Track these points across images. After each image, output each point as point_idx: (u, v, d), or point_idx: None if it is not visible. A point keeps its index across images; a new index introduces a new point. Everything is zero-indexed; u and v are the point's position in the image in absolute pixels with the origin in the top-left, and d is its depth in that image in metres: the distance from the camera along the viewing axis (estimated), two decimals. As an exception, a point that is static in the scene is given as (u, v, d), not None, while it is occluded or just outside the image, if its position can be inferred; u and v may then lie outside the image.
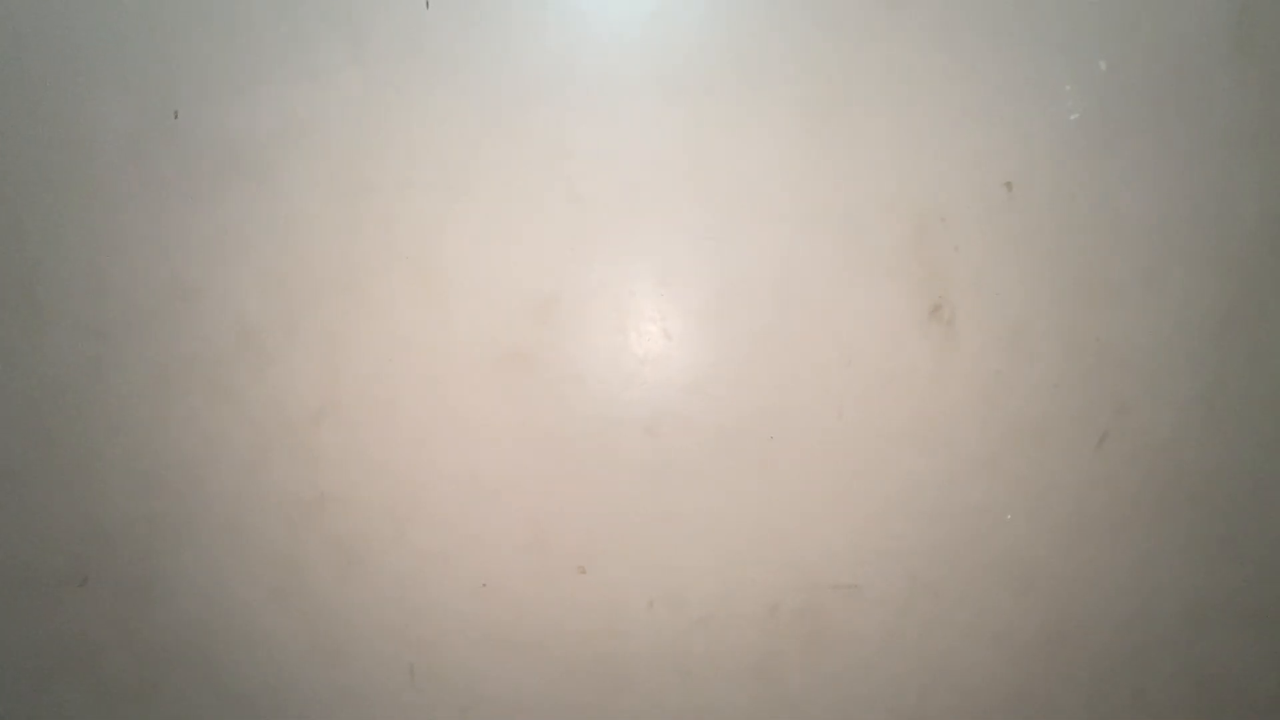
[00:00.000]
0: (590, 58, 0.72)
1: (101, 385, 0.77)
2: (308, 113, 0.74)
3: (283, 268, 0.75)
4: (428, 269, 0.74)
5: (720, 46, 0.71)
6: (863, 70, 0.70)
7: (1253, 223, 0.71)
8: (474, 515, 0.77)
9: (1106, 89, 0.70)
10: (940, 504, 0.74)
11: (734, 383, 0.74)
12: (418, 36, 0.73)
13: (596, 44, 0.72)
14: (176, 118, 0.75)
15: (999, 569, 0.75)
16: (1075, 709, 0.76)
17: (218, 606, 0.79)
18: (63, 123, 0.76)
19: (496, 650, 0.78)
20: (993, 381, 0.73)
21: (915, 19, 0.70)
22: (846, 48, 0.70)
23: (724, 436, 0.75)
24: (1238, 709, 0.76)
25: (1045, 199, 0.71)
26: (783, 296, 0.73)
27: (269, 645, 0.79)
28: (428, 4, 0.73)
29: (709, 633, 0.76)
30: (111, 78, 0.75)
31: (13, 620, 0.80)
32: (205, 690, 0.80)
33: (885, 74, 0.70)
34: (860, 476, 0.75)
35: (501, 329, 0.75)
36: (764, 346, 0.74)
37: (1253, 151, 0.70)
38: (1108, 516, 0.74)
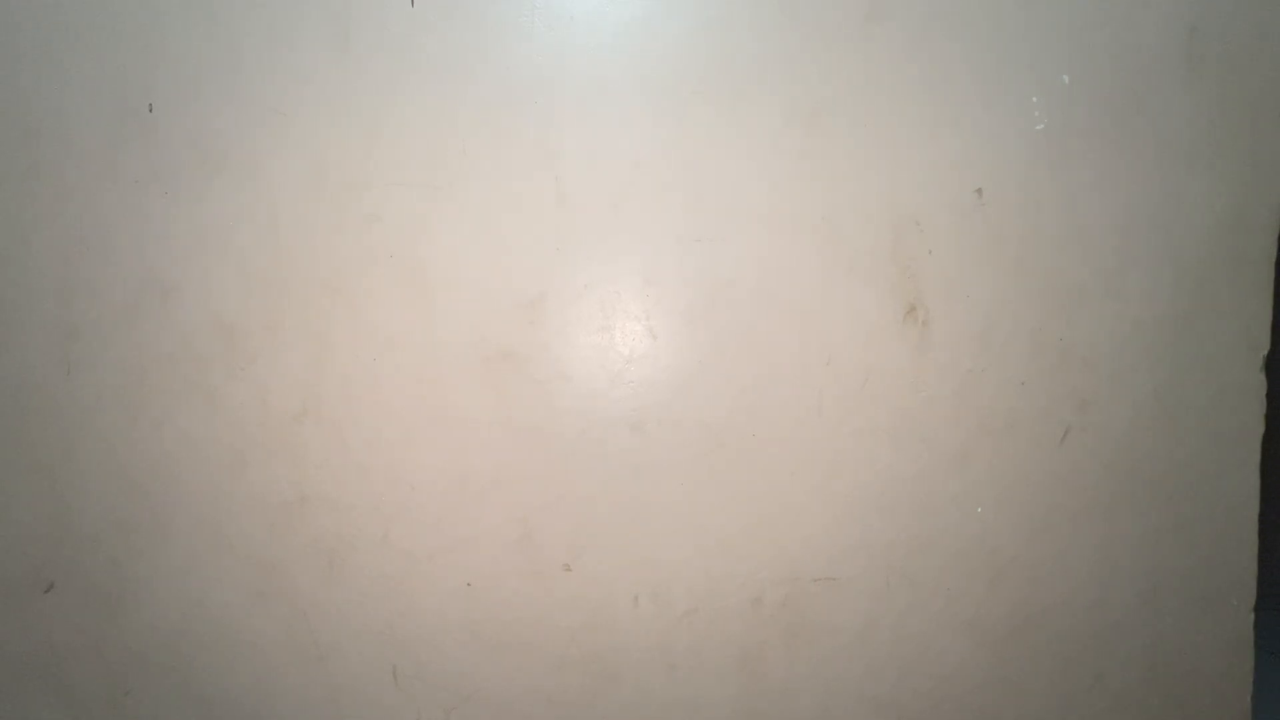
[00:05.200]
0: (578, 61, 0.73)
1: (72, 385, 0.75)
2: (291, 108, 0.73)
3: (264, 265, 0.74)
4: (414, 268, 0.74)
5: (705, 54, 0.73)
6: (842, 80, 0.73)
7: (1205, 228, 0.75)
8: (460, 515, 0.76)
9: (1070, 101, 0.73)
10: (915, 497, 0.77)
11: (717, 381, 0.76)
12: (404, 35, 0.73)
13: (584, 48, 0.73)
14: (151, 111, 0.74)
15: (970, 559, 0.78)
16: (1041, 692, 0.80)
17: (196, 611, 0.77)
18: (30, 113, 0.74)
19: (482, 649, 0.78)
20: (964, 380, 0.76)
21: (892, 32, 0.72)
22: (827, 58, 0.73)
23: (708, 434, 0.76)
24: (1189, 688, 0.81)
25: (1013, 204, 0.74)
26: (764, 297, 0.75)
27: (249, 649, 0.77)
28: (412, 3, 0.73)
29: (694, 626, 0.77)
30: (82, 68, 0.73)
31: (-25, 629, 0.78)
32: (182, 696, 0.78)
33: (864, 84, 0.73)
34: (839, 471, 0.77)
35: (488, 328, 0.75)
36: (746, 346, 0.76)
37: (1204, 160, 0.74)
38: (1070, 507, 0.78)
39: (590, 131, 0.73)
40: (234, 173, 0.73)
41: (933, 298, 0.75)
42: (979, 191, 0.74)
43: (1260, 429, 0.78)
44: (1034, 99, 0.73)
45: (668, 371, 0.76)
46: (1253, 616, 0.80)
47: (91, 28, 0.73)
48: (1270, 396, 0.78)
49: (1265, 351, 0.77)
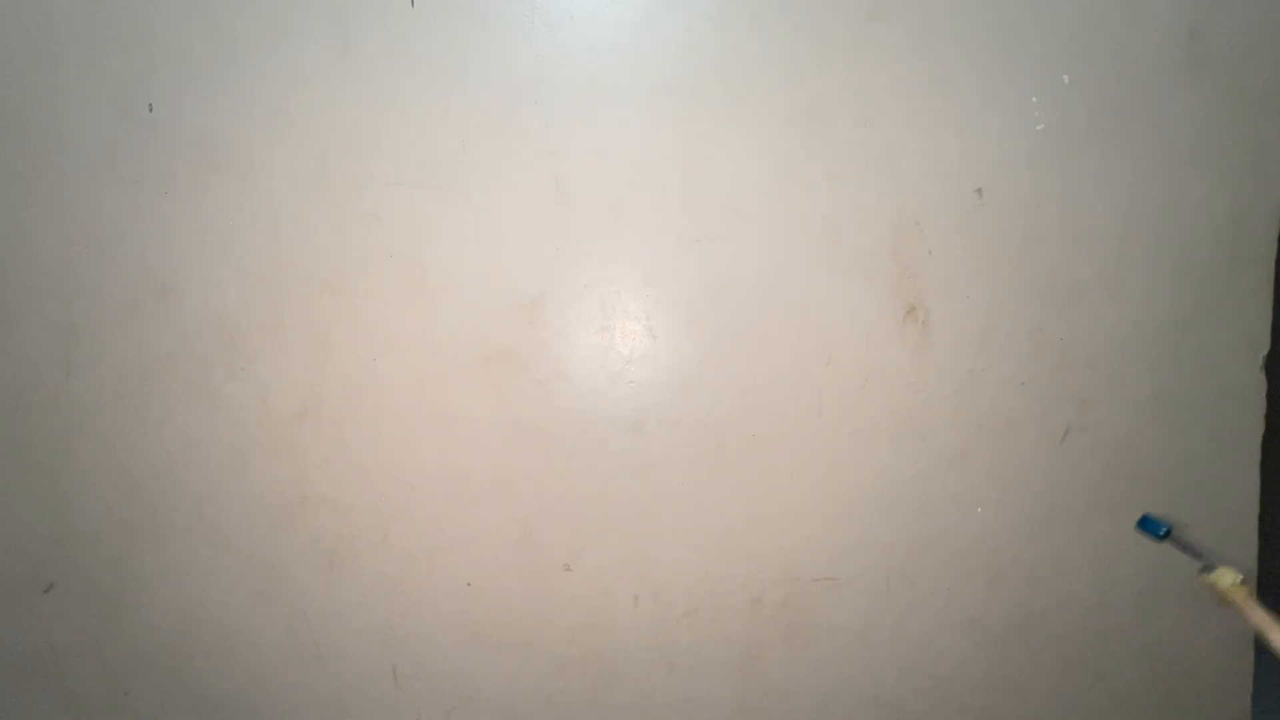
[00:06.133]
0: (579, 61, 0.73)
1: (71, 385, 0.75)
2: (291, 108, 0.72)
3: (264, 265, 0.74)
4: (414, 268, 0.74)
5: (706, 54, 0.73)
6: (843, 80, 0.73)
7: (1205, 228, 0.75)
8: (460, 515, 0.76)
9: (1070, 101, 0.73)
10: (915, 497, 0.77)
11: (717, 381, 0.76)
12: (404, 35, 0.72)
13: (585, 48, 0.73)
14: (151, 111, 0.74)
15: (970, 559, 0.78)
16: (1042, 692, 0.80)
17: (196, 611, 0.77)
18: (30, 113, 0.73)
19: (482, 649, 0.78)
20: (964, 380, 0.76)
21: (893, 33, 0.72)
22: (828, 59, 0.72)
23: (708, 434, 0.76)
24: (1189, 688, 0.81)
25: (1013, 205, 0.74)
26: (764, 297, 0.75)
27: (249, 649, 0.77)
28: (413, 3, 0.73)
29: (694, 626, 0.77)
30: (81, 67, 0.73)
31: (-26, 629, 0.78)
32: (183, 696, 0.78)
33: (864, 84, 0.73)
34: (839, 472, 0.77)
35: (488, 328, 0.75)
36: (746, 346, 0.76)
37: (1205, 160, 0.74)
38: (1071, 507, 0.78)
39: (590, 131, 0.73)
40: (234, 173, 0.73)
41: (933, 298, 0.75)
42: (979, 191, 0.74)
43: (1260, 429, 0.78)
44: (1034, 99, 0.73)
45: (668, 371, 0.76)
46: (1253, 616, 0.80)
47: (91, 28, 0.73)
48: (1270, 396, 0.78)
49: (1265, 351, 0.77)
